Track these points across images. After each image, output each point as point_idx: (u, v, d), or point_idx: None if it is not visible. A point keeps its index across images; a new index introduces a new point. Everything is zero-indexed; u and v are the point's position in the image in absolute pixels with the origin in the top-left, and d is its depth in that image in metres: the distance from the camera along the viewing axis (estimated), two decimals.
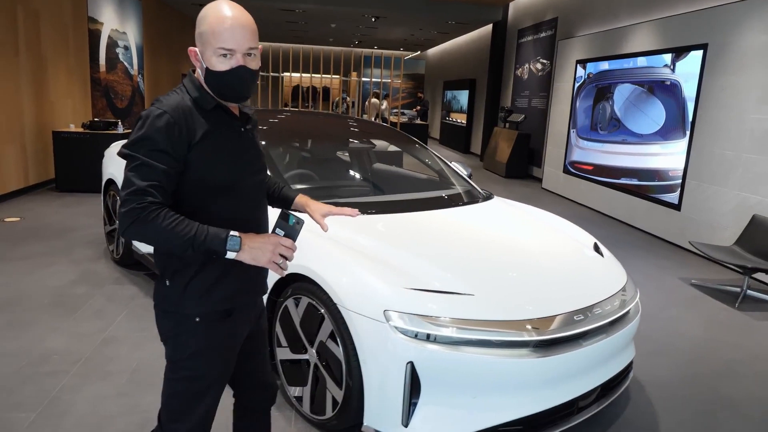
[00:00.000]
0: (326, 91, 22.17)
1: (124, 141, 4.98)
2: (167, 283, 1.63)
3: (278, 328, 2.74)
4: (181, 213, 1.52)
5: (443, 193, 3.52)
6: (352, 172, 4.01)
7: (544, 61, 11.00)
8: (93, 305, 3.89)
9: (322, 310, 2.43)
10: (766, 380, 3.37)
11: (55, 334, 3.43)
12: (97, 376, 2.97)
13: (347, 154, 4.24)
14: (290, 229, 1.56)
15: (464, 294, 2.32)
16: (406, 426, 2.23)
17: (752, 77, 5.50)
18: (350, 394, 2.34)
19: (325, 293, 2.39)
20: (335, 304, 2.34)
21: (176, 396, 1.68)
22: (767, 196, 5.24)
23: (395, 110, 16.21)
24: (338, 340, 2.35)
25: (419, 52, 21.75)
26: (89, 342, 3.35)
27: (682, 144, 6.43)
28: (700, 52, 6.18)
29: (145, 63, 12.01)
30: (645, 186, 7.11)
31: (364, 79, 17.72)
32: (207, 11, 1.58)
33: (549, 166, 10.07)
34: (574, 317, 2.39)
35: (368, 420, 2.30)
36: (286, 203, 2.01)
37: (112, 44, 10.15)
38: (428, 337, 2.19)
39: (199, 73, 1.62)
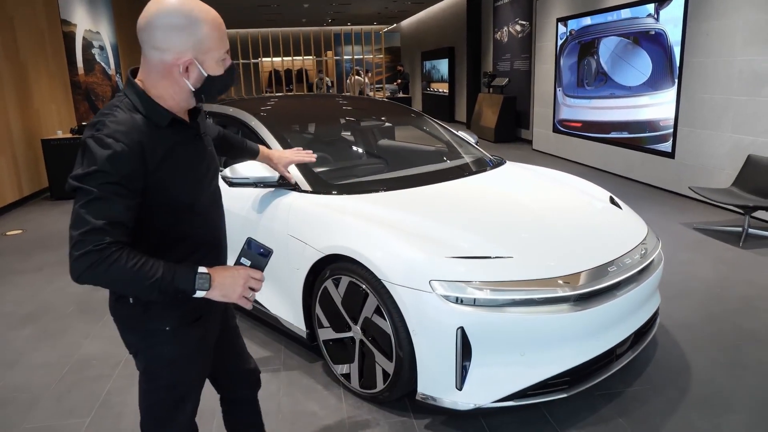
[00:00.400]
0: (303, 73, 21.95)
1: None
2: (130, 301, 1.49)
3: (318, 310, 2.80)
4: (144, 241, 1.42)
5: (458, 163, 3.58)
6: (362, 151, 4.05)
7: (523, 22, 10.99)
8: None
9: (365, 287, 2.49)
10: None
11: (89, 340, 3.47)
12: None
13: (349, 133, 4.26)
14: (257, 259, 1.48)
15: (503, 257, 2.40)
16: (460, 389, 2.32)
17: (737, 19, 5.57)
18: (401, 365, 2.42)
19: (368, 270, 2.46)
20: (379, 280, 2.41)
21: (156, 405, 1.62)
22: (761, 135, 5.36)
23: (379, 85, 16.13)
24: (385, 314, 2.42)
25: (395, 24, 21.54)
26: (123, 345, 3.39)
27: (671, 93, 6.53)
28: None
29: (121, 61, 11.81)
30: (637, 138, 7.22)
31: (339, 57, 17.57)
32: (192, 13, 1.39)
33: (538, 127, 10.15)
34: (608, 269, 2.48)
35: (422, 387, 2.39)
36: (252, 156, 2.38)
37: (87, 45, 9.98)
38: (474, 302, 2.26)
39: (177, 79, 1.43)
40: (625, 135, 7.44)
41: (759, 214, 5.33)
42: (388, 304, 2.40)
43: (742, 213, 4.96)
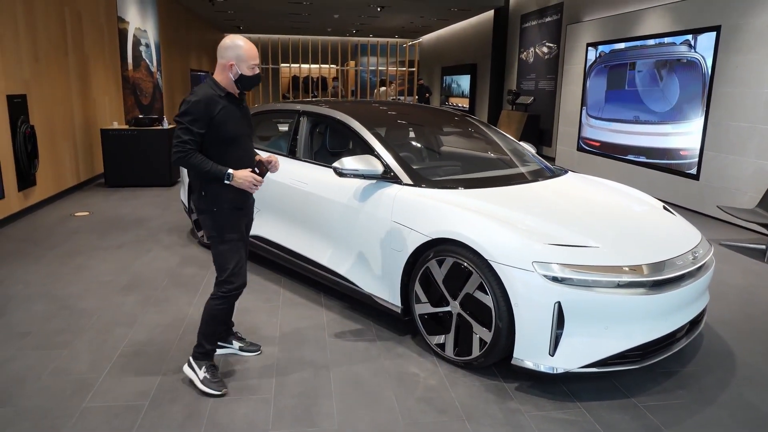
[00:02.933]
0: (324, 80, 22.46)
1: None
2: (203, 194, 2.78)
3: (417, 287, 3.23)
4: (207, 155, 2.71)
5: (528, 169, 4.03)
6: (437, 154, 4.50)
7: (551, 44, 11.51)
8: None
9: (469, 266, 2.92)
10: None
11: (193, 308, 3.88)
12: (253, 338, 3.42)
13: (413, 137, 4.71)
14: (259, 171, 2.80)
15: (592, 246, 2.84)
16: (552, 355, 2.75)
17: (765, 55, 6.06)
18: (499, 334, 2.85)
19: (474, 252, 2.89)
20: (485, 260, 2.84)
21: (221, 254, 2.82)
22: None
23: (400, 96, 16.61)
24: (488, 289, 2.85)
25: (420, 39, 22.10)
26: None
27: (695, 123, 7.00)
28: (714, 34, 6.74)
29: (162, 59, 12.27)
30: (658, 164, 7.69)
31: (363, 68, 18.08)
32: (237, 41, 2.77)
33: (562, 144, 10.63)
34: (676, 262, 2.93)
35: (518, 353, 2.82)
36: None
37: (136, 42, 10.44)
38: (568, 281, 2.70)
39: (227, 73, 2.76)
40: (643, 159, 7.95)
41: None
42: (491, 281, 2.84)
43: (766, 232, 5.42)
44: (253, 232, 4.50)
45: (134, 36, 10.30)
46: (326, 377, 3.00)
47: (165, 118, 8.35)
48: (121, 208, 6.77)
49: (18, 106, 6.14)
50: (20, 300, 3.97)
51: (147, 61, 11.19)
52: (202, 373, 2.87)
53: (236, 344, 3.26)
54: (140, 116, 8.57)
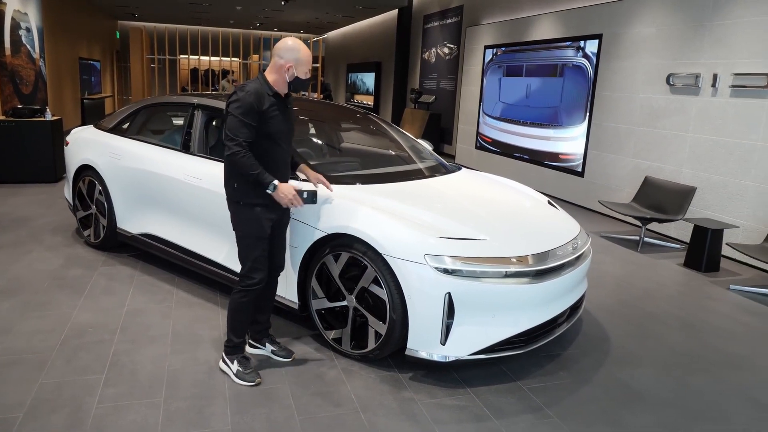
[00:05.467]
0: (225, 73, 21.79)
1: (86, 127, 5.24)
2: (235, 185, 2.83)
3: (314, 283, 3.24)
4: (253, 151, 2.74)
5: (425, 165, 4.15)
6: (336, 150, 4.52)
7: (451, 45, 11.88)
8: (97, 285, 4.11)
9: (363, 260, 2.97)
10: (672, 300, 4.38)
11: (79, 311, 3.66)
12: (144, 341, 3.30)
13: (314, 133, 4.71)
14: (306, 197, 2.89)
15: (480, 239, 2.98)
16: (443, 344, 2.86)
17: (639, 62, 6.62)
18: (394, 326, 2.92)
19: (369, 246, 2.94)
20: (380, 254, 2.90)
21: (244, 247, 2.89)
22: (656, 161, 6.40)
23: (304, 93, 16.47)
24: (382, 283, 2.92)
25: (325, 35, 21.99)
26: (115, 315, 3.63)
27: (580, 128, 7.52)
28: (596, 41, 7.26)
29: (45, 46, 11.40)
30: (547, 164, 8.19)
31: (265, 62, 17.73)
32: (299, 45, 2.82)
33: (461, 143, 11.02)
34: (557, 252, 3.14)
35: (411, 344, 2.90)
36: (295, 167, 3.22)
37: (15, 26, 9.67)
38: (458, 273, 2.82)
39: (283, 74, 2.81)
40: (527, 158, 8.49)
41: (652, 226, 6.34)
42: (386, 275, 2.90)
43: (640, 225, 5.93)
44: (145, 230, 4.33)
45: (12, 19, 9.51)
46: (221, 378, 2.94)
47: (48, 109, 7.76)
48: (2, 207, 6.23)
49: None
50: None
51: (28, 46, 10.38)
52: (235, 366, 2.94)
53: (269, 347, 3.16)
54: (19, 106, 7.93)
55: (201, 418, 2.60)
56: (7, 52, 9.24)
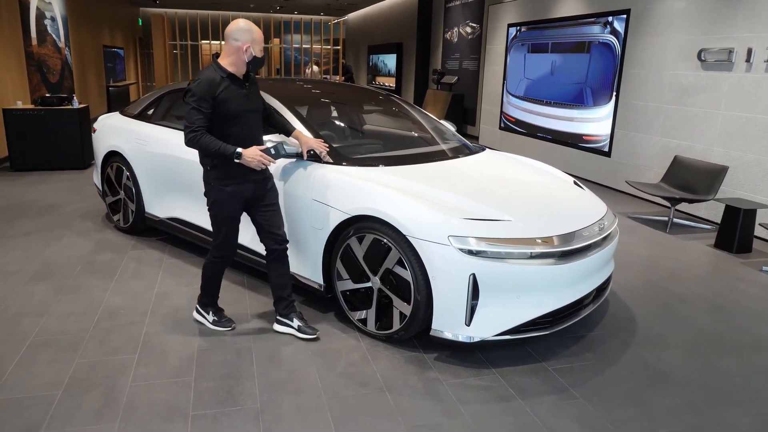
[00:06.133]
0: None
1: (112, 114, 5.36)
2: (208, 168, 3.03)
3: (338, 264, 3.26)
4: (213, 133, 2.91)
5: (448, 146, 4.12)
6: (359, 132, 4.52)
7: (474, 24, 11.71)
8: (127, 268, 4.19)
9: (389, 242, 2.98)
10: (701, 281, 4.31)
11: (110, 294, 3.75)
12: (172, 323, 3.37)
13: (336, 116, 4.71)
14: (274, 152, 3.08)
15: (505, 220, 2.96)
16: (468, 325, 2.86)
17: (669, 38, 6.45)
18: (418, 307, 2.93)
19: (393, 228, 2.95)
20: (404, 235, 2.90)
21: (216, 224, 3.11)
22: (685, 139, 6.26)
23: (326, 76, 16.46)
24: (406, 264, 2.92)
25: (345, 17, 21.85)
26: (145, 298, 3.71)
27: (605, 109, 7.37)
28: (624, 17, 7.08)
29: (70, 35, 11.55)
30: (573, 143, 8.06)
31: (286, 46, 17.71)
32: (251, 26, 2.97)
33: (485, 123, 10.91)
34: (583, 233, 3.10)
35: (436, 324, 2.91)
36: (287, 133, 3.44)
37: (40, 16, 9.80)
38: (483, 254, 2.81)
39: (241, 56, 2.95)
40: (551, 138, 8.34)
41: (682, 206, 6.22)
42: (410, 256, 2.91)
43: (669, 205, 5.82)
44: (172, 214, 4.40)
45: (38, 9, 9.65)
46: (249, 358, 3.00)
47: (75, 97, 7.88)
48: (29, 194, 6.38)
49: None
50: None
51: (53, 35, 10.52)
52: (210, 317, 3.31)
53: (296, 323, 3.24)
54: (47, 95, 8.07)
55: (230, 397, 2.65)
56: (34, 41, 9.38)
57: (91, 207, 5.81)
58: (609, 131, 7.41)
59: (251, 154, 2.91)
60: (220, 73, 2.95)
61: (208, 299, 3.32)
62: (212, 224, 3.14)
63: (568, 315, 3.14)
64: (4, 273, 4.06)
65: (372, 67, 18.81)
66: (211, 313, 3.31)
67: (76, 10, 12.25)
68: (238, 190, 3.04)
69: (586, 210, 3.42)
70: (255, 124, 3.12)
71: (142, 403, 2.59)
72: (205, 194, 3.09)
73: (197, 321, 3.36)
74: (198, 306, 3.36)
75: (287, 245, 3.22)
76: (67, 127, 7.57)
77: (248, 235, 3.80)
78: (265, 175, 3.13)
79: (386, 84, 17.30)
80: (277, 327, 3.27)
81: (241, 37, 2.93)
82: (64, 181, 7.04)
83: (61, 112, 7.57)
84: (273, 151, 3.06)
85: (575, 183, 3.94)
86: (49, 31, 10.27)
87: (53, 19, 10.50)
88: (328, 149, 3.42)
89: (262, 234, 3.20)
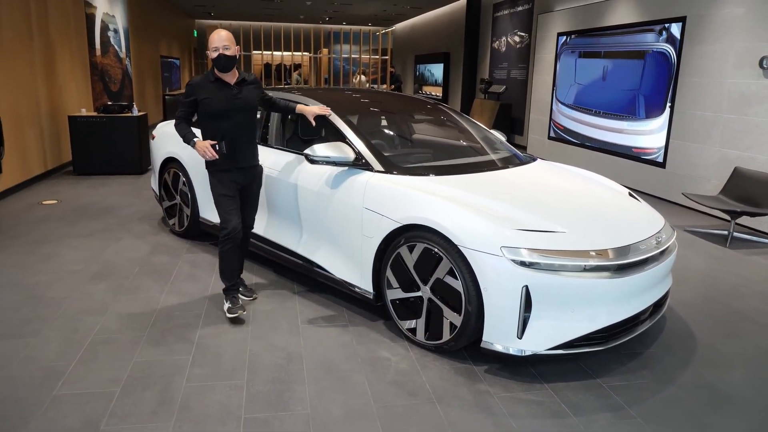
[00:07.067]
0: (297, 67, 22.27)
1: (170, 121, 5.71)
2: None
3: (389, 273, 3.27)
4: (205, 126, 3.47)
5: (498, 156, 4.09)
6: (408, 141, 4.53)
7: (522, 33, 11.60)
8: (182, 271, 4.32)
9: (440, 252, 2.97)
10: (765, 297, 4.12)
11: (165, 296, 3.86)
12: (225, 326, 3.45)
13: (385, 125, 4.73)
14: (218, 149, 3.42)
15: (558, 231, 2.91)
16: (520, 338, 2.82)
17: (728, 45, 6.23)
18: (469, 318, 2.91)
19: (445, 238, 2.94)
20: (455, 245, 2.89)
21: (216, 204, 3.55)
22: (746, 150, 6.02)
23: (374, 85, 16.60)
24: (457, 275, 2.91)
25: (393, 27, 22.02)
26: (198, 301, 3.80)
27: (657, 122, 7.15)
28: (680, 24, 6.88)
29: (131, 46, 12.03)
30: (625, 153, 7.86)
31: (333, 55, 17.94)
32: (217, 32, 3.42)
33: (533, 133, 10.76)
34: (640, 246, 3.02)
35: (487, 336, 2.88)
36: (292, 111, 3.86)
37: (104, 28, 10.23)
38: (536, 266, 2.77)
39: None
40: (607, 148, 8.13)
41: (743, 220, 5.98)
42: (461, 266, 2.89)
43: (728, 219, 5.60)
44: None
45: (102, 21, 10.09)
46: (299, 363, 3.03)
47: (135, 105, 8.19)
48: (90, 197, 6.65)
49: None
50: None
51: (115, 46, 10.98)
52: (227, 304, 3.55)
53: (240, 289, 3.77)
54: (109, 103, 8.42)
55: (281, 402, 2.69)
56: (98, 52, 9.82)
57: (148, 210, 6.01)
58: (661, 144, 7.20)
59: (201, 146, 3.37)
60: (210, 77, 3.45)
61: (228, 284, 3.58)
62: (215, 204, 3.56)
63: (624, 331, 3.05)
64: (68, 272, 4.24)
65: (419, 77, 18.86)
66: (228, 300, 3.57)
67: (136, 23, 12.75)
68: (227, 176, 3.49)
69: (642, 222, 3.33)
70: (244, 121, 3.51)
71: (196, 404, 2.66)
72: (209, 174, 3.60)
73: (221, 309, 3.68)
74: (223, 293, 3.64)
75: (250, 230, 3.80)
76: (126, 134, 7.87)
77: (294, 238, 3.87)
78: (251, 164, 3.59)
79: (433, 93, 17.31)
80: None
81: (209, 46, 3.44)
82: (123, 185, 7.32)
83: (122, 119, 7.88)
84: (217, 148, 3.43)
85: (630, 194, 3.84)
86: (112, 43, 10.73)
87: (116, 30, 10.97)
88: (330, 111, 3.81)
89: (242, 215, 3.65)
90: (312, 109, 3.78)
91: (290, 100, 3.93)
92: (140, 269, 4.34)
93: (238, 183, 3.53)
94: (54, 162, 7.95)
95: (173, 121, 3.56)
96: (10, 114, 6.57)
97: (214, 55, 3.37)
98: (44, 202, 6.34)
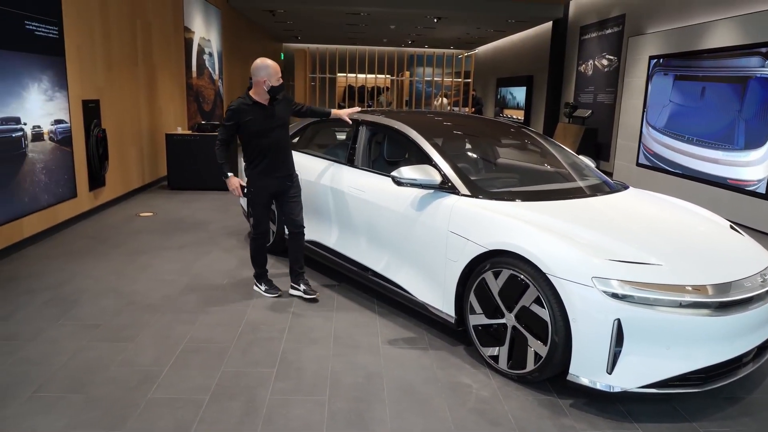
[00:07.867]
0: (380, 91, 22.68)
1: None
2: (244, 167, 4.05)
3: (472, 298, 3.23)
4: (245, 148, 3.92)
5: (588, 183, 3.97)
6: (493, 165, 4.50)
7: (611, 57, 11.28)
8: None
9: (526, 279, 2.91)
10: None
11: (251, 309, 4.00)
12: (308, 341, 3.52)
13: (470, 148, 4.70)
14: (245, 192, 4.06)
15: (654, 264, 2.78)
16: (610, 373, 2.69)
17: None
18: (555, 349, 2.82)
19: (532, 265, 2.88)
20: (543, 273, 2.82)
21: (250, 207, 4.13)
22: None
23: (455, 108, 16.62)
24: (544, 303, 2.83)
25: (476, 50, 22.06)
26: (283, 315, 3.91)
27: (760, 152, 6.69)
28: None
29: (224, 68, 12.70)
30: (721, 183, 7.40)
31: (418, 79, 18.15)
32: (266, 63, 3.82)
33: (620, 159, 10.38)
34: (744, 284, 2.83)
35: (574, 369, 2.78)
36: (327, 116, 4.47)
37: (200, 51, 10.87)
38: (629, 298, 2.65)
39: (262, 87, 3.81)
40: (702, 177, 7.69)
41: None
42: (549, 295, 2.81)
43: None
44: (309, 237, 4.62)
45: (199, 45, 10.73)
46: (379, 383, 3.04)
47: None
48: (183, 210, 7.03)
49: (92, 110, 6.49)
50: (90, 294, 4.19)
51: (210, 69, 11.63)
52: (263, 287, 4.26)
53: (302, 287, 4.19)
54: (202, 122, 8.90)
55: (361, 420, 2.70)
56: (194, 74, 10.44)
57: (236, 226, 6.28)
58: (762, 176, 6.72)
59: (231, 183, 3.97)
60: (248, 101, 3.84)
61: (258, 271, 4.25)
62: (249, 207, 4.14)
63: (724, 373, 2.85)
64: (162, 282, 4.49)
65: (500, 100, 18.72)
66: (263, 284, 4.25)
67: (229, 46, 13.48)
68: (265, 185, 3.97)
69: (746, 258, 3.12)
70: (280, 135, 3.97)
71: (280, 417, 2.72)
72: (246, 184, 4.05)
73: (256, 290, 4.28)
74: (255, 279, 4.28)
75: (303, 229, 4.13)
76: None
77: (375, 258, 3.91)
78: (288, 173, 4.03)
79: (515, 117, 17.11)
80: (291, 291, 4.22)
81: (259, 74, 3.78)
82: (213, 200, 7.69)
83: (213, 137, 8.22)
84: (245, 191, 4.06)
85: (732, 227, 3.61)
86: (207, 65, 11.38)
87: (210, 54, 11.64)
88: (358, 108, 4.59)
89: (286, 220, 4.16)
90: (345, 111, 4.47)
91: (320, 108, 4.55)
92: (228, 282, 4.53)
93: (275, 192, 4.04)
94: (151, 176, 8.49)
95: (215, 146, 3.96)
96: (115, 131, 7.09)
97: (279, 82, 3.81)
98: (141, 214, 6.76)
